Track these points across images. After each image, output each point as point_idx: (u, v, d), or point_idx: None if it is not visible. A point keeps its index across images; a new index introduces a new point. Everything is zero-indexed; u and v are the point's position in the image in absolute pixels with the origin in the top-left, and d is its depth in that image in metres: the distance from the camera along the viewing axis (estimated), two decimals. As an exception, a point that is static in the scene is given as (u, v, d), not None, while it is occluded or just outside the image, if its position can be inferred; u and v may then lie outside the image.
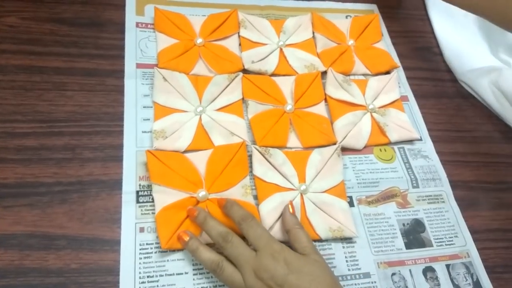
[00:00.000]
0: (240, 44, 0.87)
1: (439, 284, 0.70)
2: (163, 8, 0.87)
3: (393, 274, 0.69)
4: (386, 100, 0.86)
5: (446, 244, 0.74)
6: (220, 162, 0.71)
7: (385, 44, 0.97)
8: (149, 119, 0.74)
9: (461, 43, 1.01)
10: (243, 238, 0.61)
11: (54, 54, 0.78)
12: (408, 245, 0.72)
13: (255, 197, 0.71)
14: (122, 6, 0.86)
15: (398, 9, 0.88)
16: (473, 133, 0.90)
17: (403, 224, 0.74)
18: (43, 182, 0.66)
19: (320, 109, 0.83)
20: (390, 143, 0.82)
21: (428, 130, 0.86)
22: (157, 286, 0.62)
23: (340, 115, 0.82)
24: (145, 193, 0.68)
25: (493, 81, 0.91)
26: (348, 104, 0.84)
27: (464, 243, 0.75)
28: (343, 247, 0.70)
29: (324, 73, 0.87)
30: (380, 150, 0.81)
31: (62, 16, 0.83)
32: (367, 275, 0.69)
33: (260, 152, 0.73)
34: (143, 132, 0.73)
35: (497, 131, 0.91)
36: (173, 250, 0.64)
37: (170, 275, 0.62)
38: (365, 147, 0.80)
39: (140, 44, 0.83)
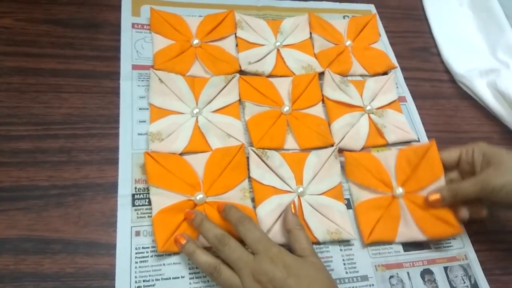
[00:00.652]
0: (236, 45, 0.87)
1: (437, 287, 0.70)
2: (159, 8, 0.86)
3: (391, 276, 0.69)
4: (384, 101, 0.86)
5: (444, 247, 0.74)
6: (218, 164, 0.71)
7: (383, 45, 0.97)
8: (145, 121, 0.74)
9: (459, 44, 1.01)
10: (240, 240, 0.61)
11: (49, 56, 0.77)
12: (406, 248, 0.72)
13: (253, 200, 0.70)
14: (117, 7, 0.86)
15: (395, 9, 0.87)
16: (471, 134, 0.89)
17: (401, 226, 0.74)
18: (38, 185, 0.65)
19: (317, 111, 0.82)
20: (387, 145, 0.82)
21: (426, 131, 0.86)
22: (153, 290, 0.61)
23: (337, 117, 0.81)
24: (141, 196, 0.67)
25: (491, 82, 0.91)
26: (346, 105, 0.83)
27: (462, 245, 0.75)
28: (341, 249, 0.70)
29: (321, 74, 0.86)
30: (378, 151, 0.81)
31: (58, 17, 0.82)
32: (365, 278, 0.68)
33: (257, 154, 0.73)
34: (139, 134, 0.73)
35: (496, 132, 0.91)
36: (169, 254, 0.64)
37: (166, 279, 0.62)
38: (362, 148, 0.80)
39: (136, 45, 0.82)
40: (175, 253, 0.64)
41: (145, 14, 0.86)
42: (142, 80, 0.78)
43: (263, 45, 0.88)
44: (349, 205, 0.74)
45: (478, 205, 0.71)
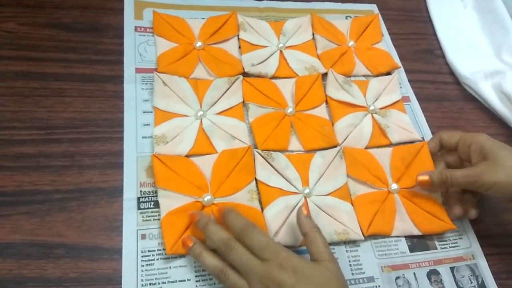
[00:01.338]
0: (239, 47, 0.87)
1: (443, 287, 0.69)
2: (161, 11, 0.86)
3: (397, 277, 0.69)
4: (387, 101, 0.86)
5: (450, 247, 0.73)
6: (226, 166, 0.71)
7: (386, 46, 0.96)
8: (149, 125, 0.74)
9: (463, 46, 1.00)
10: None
11: (52, 60, 0.77)
12: (412, 248, 0.72)
13: (260, 202, 0.70)
14: (120, 11, 0.86)
15: (399, 11, 0.87)
16: (476, 137, 0.88)
17: (407, 227, 0.74)
18: (41, 190, 0.65)
19: (321, 111, 0.82)
20: (391, 145, 0.81)
21: (432, 133, 0.85)
22: (160, 293, 0.61)
23: (340, 116, 0.81)
24: (146, 199, 0.67)
25: (496, 84, 0.90)
26: (349, 105, 0.83)
27: (469, 245, 0.74)
28: (347, 251, 0.70)
29: (324, 75, 0.86)
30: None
31: (61, 22, 0.82)
32: (371, 279, 0.68)
33: (262, 157, 0.73)
34: (143, 137, 0.73)
35: (501, 135, 0.90)
36: (175, 257, 0.63)
37: (173, 282, 0.62)
38: (366, 148, 0.79)
39: (139, 48, 0.82)
40: (181, 256, 0.64)
41: (147, 17, 0.86)
42: (145, 83, 0.78)
43: (266, 46, 0.88)
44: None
45: (470, 202, 0.72)
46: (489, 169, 0.66)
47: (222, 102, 0.78)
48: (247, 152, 0.72)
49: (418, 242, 0.72)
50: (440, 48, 1.01)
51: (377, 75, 0.90)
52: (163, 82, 0.76)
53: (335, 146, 0.77)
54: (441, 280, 0.70)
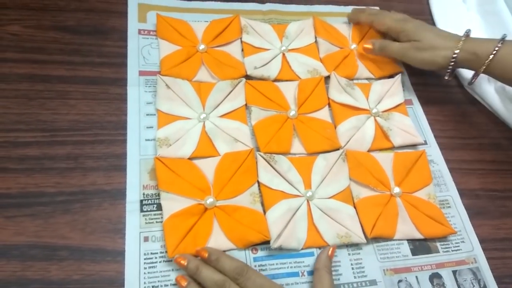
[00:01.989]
0: (242, 50, 0.87)
1: (446, 291, 0.70)
2: (165, 14, 0.86)
3: (400, 281, 0.69)
4: (390, 104, 0.86)
5: (452, 250, 0.73)
6: (228, 169, 0.71)
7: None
8: (152, 127, 0.74)
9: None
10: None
11: (57, 63, 0.78)
12: (414, 252, 0.72)
13: (262, 204, 0.70)
14: (125, 14, 0.86)
15: (403, 13, 0.87)
16: (479, 140, 0.89)
17: (409, 230, 0.74)
18: (45, 192, 0.65)
19: (323, 114, 0.82)
20: (393, 148, 0.81)
21: (435, 137, 0.86)
22: (162, 296, 0.61)
23: (343, 119, 0.81)
24: (149, 202, 0.68)
25: (499, 87, 0.90)
26: (352, 108, 0.83)
27: (471, 248, 0.74)
28: (349, 254, 0.70)
29: (327, 78, 0.86)
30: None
31: (65, 24, 0.83)
32: (373, 282, 0.68)
33: (265, 159, 0.73)
34: (146, 140, 0.73)
35: (504, 138, 0.90)
36: (181, 255, 0.63)
37: (175, 284, 0.62)
38: (368, 151, 0.80)
39: (142, 51, 0.82)
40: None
41: (151, 20, 0.87)
42: (149, 86, 0.78)
43: (268, 49, 0.88)
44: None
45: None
46: (417, 47, 0.82)
47: (225, 105, 0.78)
48: (249, 155, 0.72)
49: (420, 246, 0.72)
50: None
51: (379, 78, 0.90)
52: (166, 85, 0.77)
53: (338, 149, 0.77)
54: (444, 283, 0.70)
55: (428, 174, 0.78)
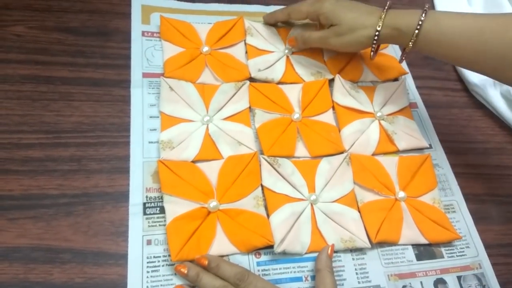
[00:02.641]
0: (246, 52, 0.87)
1: (450, 296, 0.69)
2: (168, 16, 0.86)
3: (404, 286, 0.68)
4: (395, 107, 0.85)
5: (457, 255, 0.73)
6: (232, 172, 0.70)
7: (394, 52, 0.96)
8: (155, 129, 0.74)
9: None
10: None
11: (61, 64, 0.78)
12: (419, 257, 0.71)
13: (265, 208, 0.70)
14: (128, 15, 0.86)
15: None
16: (484, 145, 0.88)
17: (414, 235, 0.73)
18: (48, 194, 0.65)
19: (327, 117, 0.82)
20: (398, 151, 0.81)
21: (440, 141, 0.85)
22: (165, 299, 0.61)
23: (347, 123, 0.81)
24: (152, 205, 0.67)
25: (505, 91, 0.90)
26: (356, 112, 0.83)
27: (476, 253, 0.74)
28: (353, 259, 0.69)
29: (331, 81, 0.86)
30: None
31: (69, 25, 0.82)
32: (377, 287, 0.67)
33: (268, 163, 0.72)
34: (149, 142, 0.73)
35: (509, 143, 0.90)
36: (181, 263, 0.63)
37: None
38: (372, 155, 0.79)
39: (146, 53, 0.82)
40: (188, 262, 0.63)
41: (154, 21, 0.86)
42: (152, 88, 0.78)
43: (272, 51, 0.87)
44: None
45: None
46: (337, 33, 0.78)
47: (228, 107, 0.78)
48: (253, 158, 0.72)
49: (425, 251, 0.72)
50: (448, 55, 1.01)
51: (384, 81, 0.90)
52: (170, 87, 0.76)
53: (342, 153, 0.77)
54: (448, 289, 0.70)
55: (433, 179, 0.78)
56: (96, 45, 0.81)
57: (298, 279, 0.66)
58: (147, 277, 0.62)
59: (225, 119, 0.77)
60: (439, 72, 0.98)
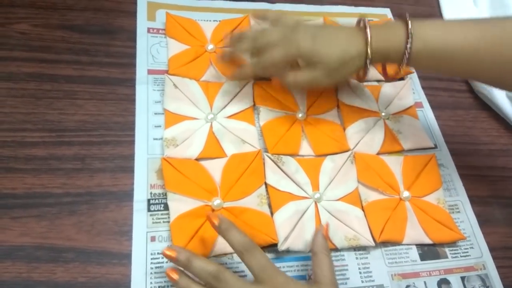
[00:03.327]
0: (251, 50, 0.86)
1: (454, 297, 0.69)
2: (174, 13, 0.86)
3: (408, 286, 0.68)
4: (400, 106, 0.85)
5: (461, 256, 0.73)
6: (235, 170, 0.70)
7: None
8: (160, 126, 0.74)
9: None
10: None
11: (65, 62, 0.78)
12: (423, 257, 0.71)
13: (269, 206, 0.70)
14: (133, 13, 0.86)
15: (411, 15, 0.85)
16: (489, 146, 0.88)
17: (418, 235, 0.73)
18: (52, 192, 0.65)
19: (332, 116, 0.82)
20: (403, 151, 0.81)
21: (445, 141, 0.85)
22: (168, 296, 0.61)
23: (352, 122, 0.81)
24: (156, 201, 0.67)
25: (511, 93, 0.89)
26: (361, 111, 0.82)
27: (480, 254, 0.73)
28: (357, 258, 0.69)
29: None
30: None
31: (74, 23, 0.82)
32: (380, 287, 0.67)
33: (272, 160, 0.72)
34: (154, 139, 0.73)
35: (514, 144, 0.90)
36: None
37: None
38: (377, 154, 0.79)
39: (151, 49, 0.82)
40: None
41: (160, 18, 0.86)
42: (157, 85, 0.78)
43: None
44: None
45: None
46: (326, 73, 0.70)
47: (232, 105, 0.78)
48: (257, 156, 0.72)
49: (429, 251, 0.72)
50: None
51: (390, 80, 0.89)
52: (174, 84, 0.76)
53: (346, 151, 0.77)
54: (452, 289, 0.69)
55: (438, 179, 0.78)
56: (101, 43, 0.81)
57: (302, 277, 0.66)
58: (151, 273, 0.62)
59: (229, 117, 0.77)
60: (444, 73, 0.97)
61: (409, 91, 0.87)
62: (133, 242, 0.63)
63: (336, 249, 0.68)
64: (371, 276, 0.68)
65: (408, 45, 0.66)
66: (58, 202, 0.65)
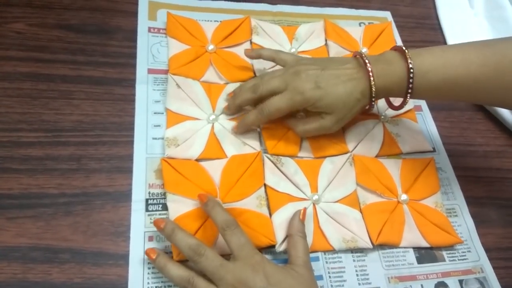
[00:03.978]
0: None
1: (452, 300, 0.69)
2: (175, 13, 0.86)
3: (404, 289, 0.68)
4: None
5: (459, 259, 0.72)
6: (235, 171, 0.70)
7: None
8: (159, 126, 0.74)
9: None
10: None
11: (61, 62, 0.77)
12: (420, 260, 0.71)
13: (268, 207, 0.70)
14: (131, 13, 0.86)
15: (408, 18, 0.86)
16: (485, 148, 0.88)
17: (415, 238, 0.73)
18: (47, 193, 0.65)
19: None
20: (402, 154, 0.81)
21: (443, 144, 0.85)
22: (165, 296, 0.61)
23: (351, 124, 0.80)
24: (155, 201, 0.67)
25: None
26: (361, 113, 0.82)
27: (478, 258, 0.73)
28: (354, 260, 0.69)
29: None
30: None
31: (70, 23, 0.82)
32: (377, 290, 0.67)
33: (272, 161, 0.72)
34: (153, 138, 0.72)
35: (510, 146, 0.89)
36: (183, 261, 0.62)
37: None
38: (376, 157, 0.79)
39: (152, 49, 0.82)
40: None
41: (161, 18, 0.86)
42: (157, 84, 0.78)
43: (278, 51, 0.87)
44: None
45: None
46: (335, 120, 0.71)
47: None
48: (256, 157, 0.72)
49: (426, 254, 0.72)
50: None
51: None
52: (177, 84, 0.76)
53: (345, 153, 0.77)
54: (449, 293, 0.69)
55: (436, 182, 0.78)
56: (97, 43, 0.81)
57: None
58: (148, 273, 0.61)
59: (231, 119, 0.76)
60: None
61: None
62: (130, 242, 0.63)
63: (334, 251, 0.68)
64: (368, 279, 0.68)
65: (410, 81, 0.66)
66: (54, 202, 0.64)
